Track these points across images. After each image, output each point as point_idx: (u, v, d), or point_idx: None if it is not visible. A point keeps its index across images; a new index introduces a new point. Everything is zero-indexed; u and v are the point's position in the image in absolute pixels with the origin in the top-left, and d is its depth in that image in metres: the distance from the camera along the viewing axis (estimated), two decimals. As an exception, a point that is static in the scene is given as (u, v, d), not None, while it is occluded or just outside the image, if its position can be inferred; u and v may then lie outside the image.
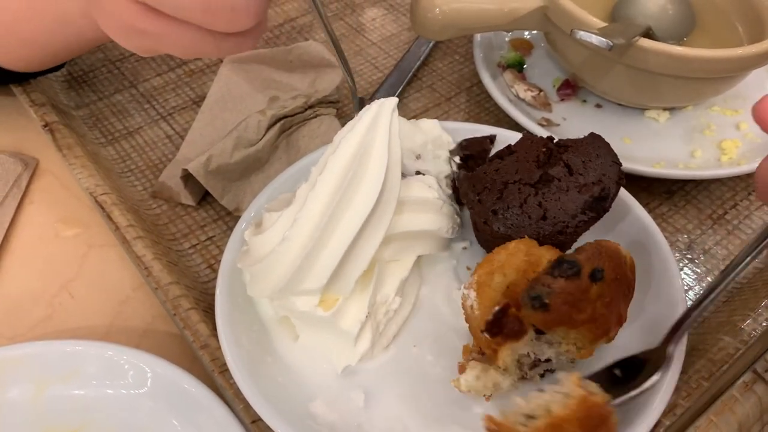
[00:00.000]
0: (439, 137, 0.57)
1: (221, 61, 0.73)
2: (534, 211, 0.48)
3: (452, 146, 0.58)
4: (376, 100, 0.48)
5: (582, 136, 0.53)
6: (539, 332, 0.42)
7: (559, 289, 0.39)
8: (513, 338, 0.42)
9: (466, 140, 0.58)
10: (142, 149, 0.68)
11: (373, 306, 0.48)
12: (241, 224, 0.54)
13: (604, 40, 0.53)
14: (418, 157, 0.56)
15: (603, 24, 0.58)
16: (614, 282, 0.41)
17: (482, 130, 0.60)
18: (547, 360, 0.45)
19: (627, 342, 0.49)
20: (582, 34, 0.54)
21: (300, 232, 0.46)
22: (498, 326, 0.42)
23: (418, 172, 0.55)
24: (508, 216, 0.48)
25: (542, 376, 0.47)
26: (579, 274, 0.39)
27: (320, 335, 0.49)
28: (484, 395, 0.46)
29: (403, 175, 0.51)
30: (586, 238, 0.54)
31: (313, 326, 0.49)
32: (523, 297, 0.40)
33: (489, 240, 0.51)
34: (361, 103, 0.60)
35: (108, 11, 0.46)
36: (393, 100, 0.49)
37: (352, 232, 0.46)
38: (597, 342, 0.42)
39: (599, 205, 0.49)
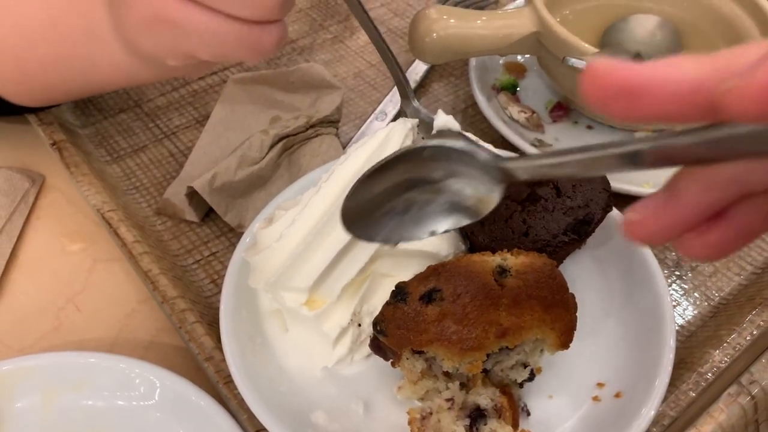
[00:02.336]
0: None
1: (224, 82, 0.75)
2: (517, 227, 0.50)
3: None
4: (401, 119, 0.51)
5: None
6: (417, 351, 0.45)
7: (390, 316, 0.44)
8: (395, 356, 0.46)
9: None
10: (147, 167, 0.69)
11: (358, 314, 0.50)
12: (243, 240, 0.55)
13: (594, 66, 0.55)
14: None
15: (594, 50, 0.60)
16: (467, 297, 0.43)
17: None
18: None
19: (615, 355, 0.51)
20: (573, 61, 0.56)
21: (296, 233, 0.49)
22: (377, 346, 0.47)
23: None
24: (493, 229, 0.51)
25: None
26: (406, 300, 0.44)
27: (305, 333, 0.51)
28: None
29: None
30: (580, 255, 0.57)
31: (299, 323, 0.51)
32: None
33: (476, 252, 0.53)
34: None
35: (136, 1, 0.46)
36: (411, 122, 0.51)
37: (344, 240, 0.48)
38: (468, 355, 0.43)
39: (582, 229, 0.51)
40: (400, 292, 0.45)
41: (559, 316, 0.44)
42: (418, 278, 0.45)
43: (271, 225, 0.52)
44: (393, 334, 0.44)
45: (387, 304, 0.45)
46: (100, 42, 0.54)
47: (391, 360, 0.47)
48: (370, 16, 0.60)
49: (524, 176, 0.33)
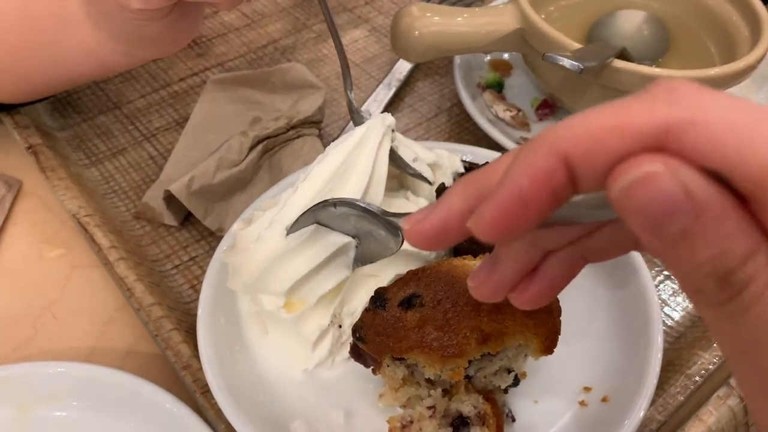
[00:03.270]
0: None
1: (204, 83, 0.74)
2: None
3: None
4: (377, 115, 0.50)
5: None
6: (398, 358, 0.44)
7: (369, 322, 0.43)
8: (375, 363, 0.45)
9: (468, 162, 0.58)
10: (126, 170, 0.68)
11: (338, 315, 0.49)
12: (222, 245, 0.54)
13: (575, 63, 0.54)
14: (414, 160, 0.56)
15: (578, 46, 0.59)
16: (447, 303, 0.42)
17: (462, 149, 0.61)
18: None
19: (602, 359, 0.50)
20: (554, 57, 0.55)
21: (273, 235, 0.47)
22: (357, 353, 0.46)
23: (414, 170, 0.55)
24: None
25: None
26: (385, 306, 0.43)
27: (285, 336, 0.50)
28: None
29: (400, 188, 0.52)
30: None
31: (278, 326, 0.50)
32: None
33: (460, 253, 0.52)
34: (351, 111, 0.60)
35: None
36: (388, 119, 0.50)
37: (326, 250, 0.47)
38: (449, 362, 0.42)
39: None
40: (379, 297, 0.44)
41: (542, 320, 0.43)
42: (398, 284, 0.44)
43: (250, 226, 0.51)
44: (372, 340, 0.43)
45: (366, 310, 0.44)
46: (71, 26, 0.54)
47: (372, 367, 0.46)
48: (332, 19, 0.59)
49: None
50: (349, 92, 0.59)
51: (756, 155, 0.20)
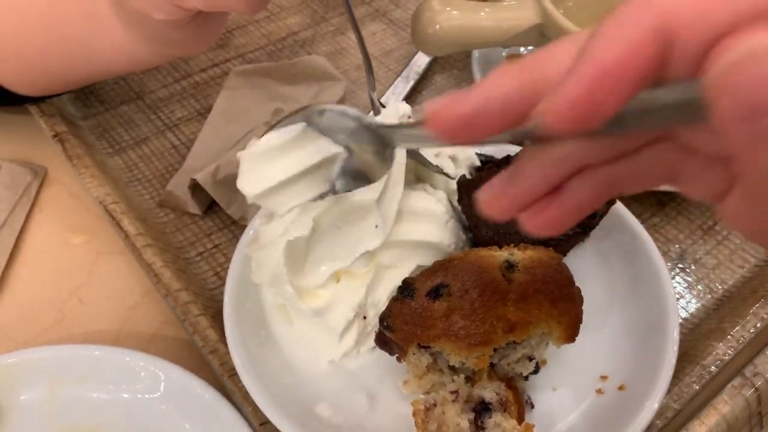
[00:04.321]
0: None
1: (226, 74, 0.75)
2: None
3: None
4: (392, 104, 0.50)
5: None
6: (423, 347, 0.45)
7: (397, 312, 0.44)
8: (401, 351, 0.46)
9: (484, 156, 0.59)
10: (149, 159, 0.69)
11: (363, 306, 0.50)
12: (247, 233, 0.55)
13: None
14: (437, 155, 0.56)
15: (597, 41, 0.60)
16: (474, 292, 0.43)
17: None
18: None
19: (618, 348, 0.51)
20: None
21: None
22: (383, 341, 0.47)
23: (437, 167, 0.56)
24: (496, 222, 0.51)
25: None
26: (413, 295, 0.44)
27: (311, 327, 0.51)
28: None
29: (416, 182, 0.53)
30: (584, 248, 0.57)
31: (304, 317, 0.51)
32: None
33: (480, 245, 0.53)
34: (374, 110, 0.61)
35: None
36: (404, 107, 0.51)
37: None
38: (476, 349, 0.43)
39: (586, 222, 0.51)
40: (407, 287, 0.45)
41: (565, 309, 0.44)
42: (425, 273, 0.45)
43: (272, 222, 0.52)
44: (400, 329, 0.44)
45: (394, 299, 0.45)
46: (100, 23, 0.55)
47: (396, 355, 0.47)
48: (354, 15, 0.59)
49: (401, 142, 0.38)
50: (372, 92, 0.60)
51: None
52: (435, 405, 0.44)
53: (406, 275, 0.53)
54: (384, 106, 0.59)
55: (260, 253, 0.50)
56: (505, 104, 0.25)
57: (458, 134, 0.25)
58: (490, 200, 0.29)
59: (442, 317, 0.43)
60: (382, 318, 0.45)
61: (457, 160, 0.57)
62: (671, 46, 0.21)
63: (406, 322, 0.44)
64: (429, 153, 0.55)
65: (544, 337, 0.45)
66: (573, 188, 0.28)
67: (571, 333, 0.45)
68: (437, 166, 0.55)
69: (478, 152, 0.59)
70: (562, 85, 0.22)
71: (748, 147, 0.20)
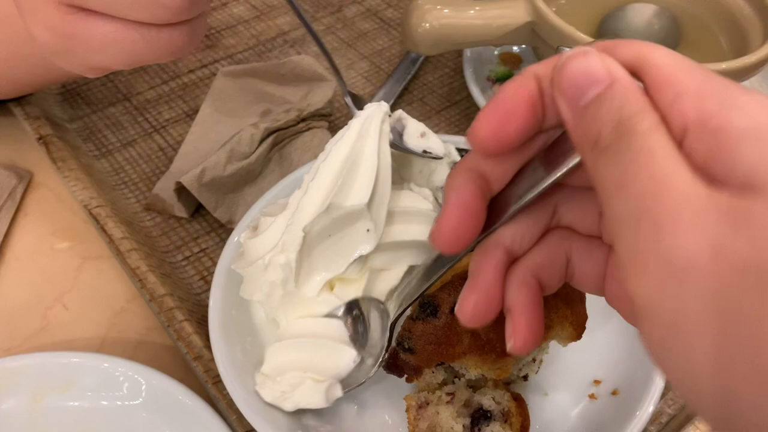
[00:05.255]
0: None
1: (213, 75, 0.74)
2: None
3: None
4: (368, 104, 0.49)
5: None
6: (441, 363, 0.44)
7: (419, 332, 0.42)
8: (413, 374, 0.45)
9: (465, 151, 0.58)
10: (136, 162, 0.68)
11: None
12: (233, 237, 0.54)
13: (589, 56, 0.54)
14: (422, 134, 0.55)
15: (589, 39, 0.59)
16: None
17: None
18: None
19: (612, 352, 0.50)
20: (567, 51, 0.55)
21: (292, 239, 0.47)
22: (393, 365, 0.45)
23: (425, 152, 0.55)
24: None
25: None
26: (436, 313, 0.42)
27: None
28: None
29: (395, 184, 0.52)
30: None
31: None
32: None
33: None
34: (353, 98, 0.59)
35: (33, 15, 0.44)
36: (384, 106, 0.50)
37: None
38: (500, 361, 0.42)
39: None
40: (428, 305, 0.42)
41: (577, 309, 0.43)
42: (446, 289, 0.43)
43: (258, 234, 0.50)
44: (423, 350, 0.42)
45: (414, 319, 0.43)
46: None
47: (405, 376, 0.46)
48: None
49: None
50: (345, 96, 0.59)
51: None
52: (428, 404, 0.43)
53: (400, 276, 0.51)
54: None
55: (249, 270, 0.48)
56: (526, 88, 0.29)
57: (455, 240, 0.31)
58: (471, 318, 0.32)
59: (467, 332, 0.42)
60: (401, 341, 0.43)
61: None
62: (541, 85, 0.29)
63: (430, 342, 0.42)
64: (415, 132, 0.53)
65: (555, 338, 0.44)
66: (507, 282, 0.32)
67: (579, 331, 0.44)
68: (424, 150, 0.54)
69: (459, 148, 0.58)
70: (479, 116, 0.29)
71: (576, 119, 0.26)
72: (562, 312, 0.42)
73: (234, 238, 0.54)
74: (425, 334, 0.42)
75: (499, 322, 0.41)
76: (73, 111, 0.73)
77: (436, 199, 0.54)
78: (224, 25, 0.83)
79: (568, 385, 0.49)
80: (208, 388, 0.48)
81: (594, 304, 0.52)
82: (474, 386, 0.45)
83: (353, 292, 0.48)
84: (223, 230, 0.62)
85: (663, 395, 0.49)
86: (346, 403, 0.48)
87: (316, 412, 0.47)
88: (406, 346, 0.43)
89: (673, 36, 0.70)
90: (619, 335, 0.51)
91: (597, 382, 0.49)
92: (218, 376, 0.47)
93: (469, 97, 0.71)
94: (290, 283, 0.46)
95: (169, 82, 0.76)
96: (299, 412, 0.47)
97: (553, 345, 0.47)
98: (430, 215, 0.52)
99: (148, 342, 0.56)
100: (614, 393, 0.48)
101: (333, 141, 0.49)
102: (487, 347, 0.41)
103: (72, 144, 0.68)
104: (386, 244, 0.50)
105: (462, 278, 0.43)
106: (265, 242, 0.48)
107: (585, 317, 0.44)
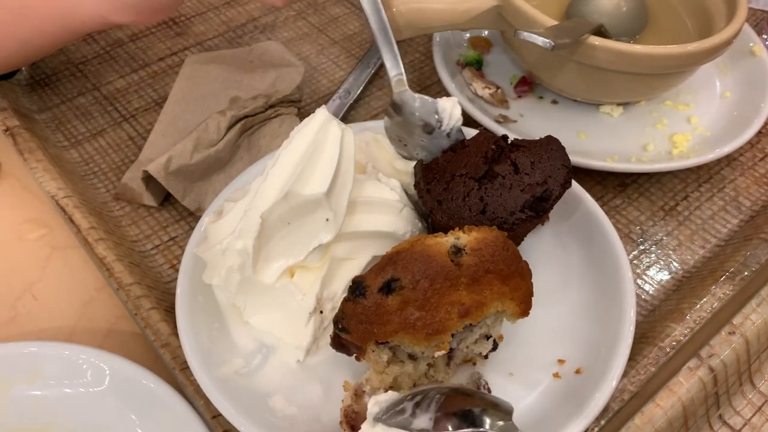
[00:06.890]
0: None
1: (182, 62, 0.74)
2: (475, 205, 0.50)
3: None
4: (321, 114, 0.49)
5: (538, 133, 0.54)
6: (381, 343, 0.44)
7: (350, 312, 0.43)
8: (358, 353, 0.45)
9: None
10: (105, 151, 0.68)
11: (319, 301, 0.49)
12: (201, 224, 0.54)
13: (546, 40, 0.54)
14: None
15: (553, 22, 0.59)
16: (426, 282, 0.42)
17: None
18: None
19: (575, 332, 0.51)
20: (525, 35, 0.55)
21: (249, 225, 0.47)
22: (339, 344, 0.46)
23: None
24: (450, 207, 0.50)
25: None
26: (365, 294, 0.43)
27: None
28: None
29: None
30: (543, 231, 0.57)
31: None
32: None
33: (438, 230, 0.52)
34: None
35: None
36: (338, 122, 0.50)
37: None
38: (434, 338, 0.43)
39: (539, 206, 0.50)
40: (358, 286, 0.43)
41: (516, 285, 0.44)
42: (375, 270, 0.44)
43: (221, 218, 0.51)
44: (356, 330, 0.43)
45: (345, 300, 0.44)
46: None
47: (354, 355, 0.46)
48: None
49: None
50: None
51: None
52: (364, 392, 0.44)
53: (363, 266, 0.52)
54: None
55: (209, 254, 0.49)
56: None
57: None
58: None
59: (397, 311, 0.42)
60: (336, 321, 0.44)
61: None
62: None
63: (361, 322, 0.43)
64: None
65: (499, 314, 0.45)
66: None
67: (524, 308, 0.44)
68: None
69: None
70: None
71: None
72: (498, 288, 0.43)
73: (201, 226, 0.54)
74: (356, 314, 0.43)
75: (426, 302, 0.42)
76: (41, 101, 0.72)
77: (405, 190, 0.54)
78: (194, 12, 0.83)
79: (532, 365, 0.50)
80: (176, 374, 0.49)
81: (557, 283, 0.54)
82: (430, 364, 0.46)
83: (313, 280, 0.49)
84: (192, 218, 0.62)
85: (625, 373, 0.50)
86: (312, 386, 0.48)
87: (284, 395, 0.47)
88: (341, 326, 0.44)
89: (640, 18, 0.70)
90: (583, 315, 0.52)
91: (561, 361, 0.50)
92: (185, 362, 0.47)
93: (439, 81, 0.71)
94: (248, 268, 0.46)
95: (138, 70, 0.76)
96: (266, 393, 0.47)
97: (516, 326, 0.48)
98: (395, 206, 0.52)
99: (118, 330, 0.56)
100: (578, 372, 0.49)
101: (297, 129, 0.50)
102: (417, 324, 0.42)
103: (40, 135, 0.67)
104: (348, 233, 0.50)
105: (390, 258, 0.44)
106: (225, 227, 0.48)
107: (530, 293, 0.45)
